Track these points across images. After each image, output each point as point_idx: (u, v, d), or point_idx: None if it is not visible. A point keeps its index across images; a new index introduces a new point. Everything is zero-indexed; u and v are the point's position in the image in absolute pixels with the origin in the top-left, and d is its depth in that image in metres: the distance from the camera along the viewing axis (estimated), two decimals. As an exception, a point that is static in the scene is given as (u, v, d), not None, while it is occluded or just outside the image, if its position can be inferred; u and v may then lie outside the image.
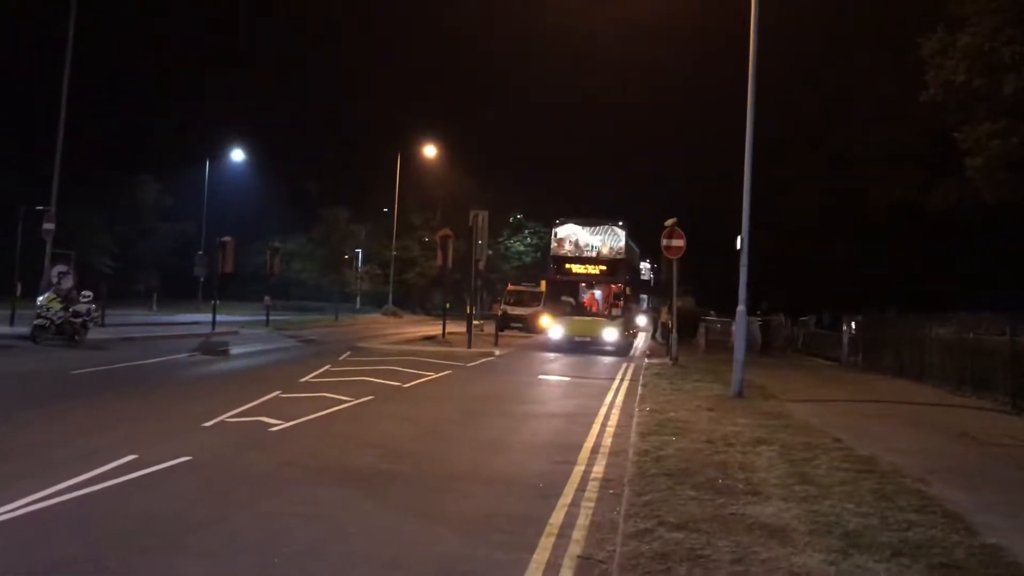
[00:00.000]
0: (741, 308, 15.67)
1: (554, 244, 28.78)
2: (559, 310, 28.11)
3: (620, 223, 28.36)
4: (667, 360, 23.43)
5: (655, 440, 9.75)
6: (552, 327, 27.92)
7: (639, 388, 16.00)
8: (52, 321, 20.30)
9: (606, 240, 28.20)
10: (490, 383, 17.45)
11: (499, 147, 67.17)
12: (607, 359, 24.88)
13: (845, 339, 26.18)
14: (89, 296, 21.63)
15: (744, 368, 15.22)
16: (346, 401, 13.01)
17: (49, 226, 24.37)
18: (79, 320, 20.71)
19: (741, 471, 8.20)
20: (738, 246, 15.27)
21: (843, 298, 33.05)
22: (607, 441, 10.65)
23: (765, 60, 15.94)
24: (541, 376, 19.18)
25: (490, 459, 9.38)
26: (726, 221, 18.73)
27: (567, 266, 28.21)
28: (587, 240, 28.24)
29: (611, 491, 7.84)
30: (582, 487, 8.04)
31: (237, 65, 73.47)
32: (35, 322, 20.37)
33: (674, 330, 24.12)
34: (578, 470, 8.80)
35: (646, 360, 24.75)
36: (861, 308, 27.32)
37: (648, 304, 57.95)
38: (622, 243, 28.00)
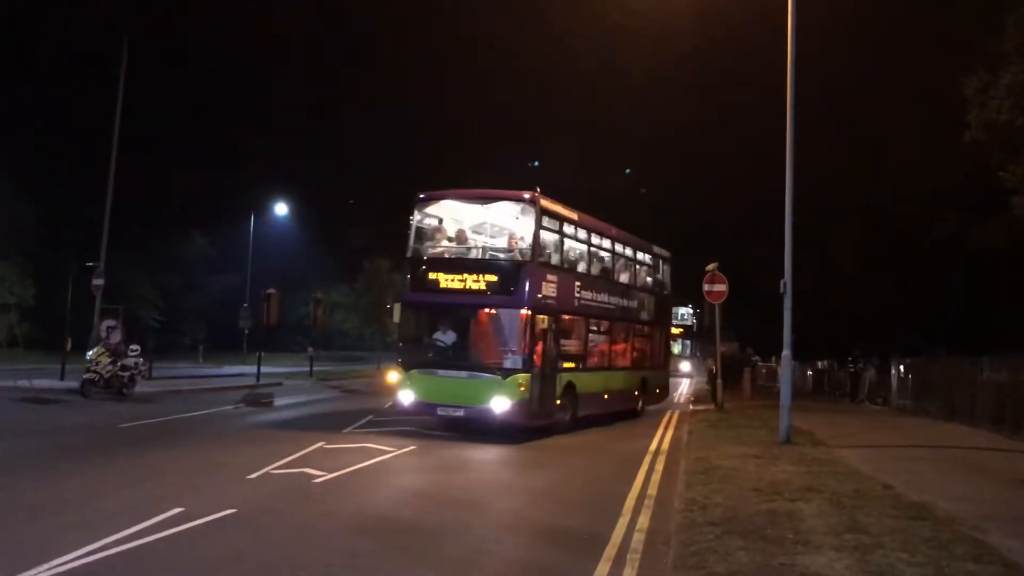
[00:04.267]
0: (786, 353, 15.45)
1: (413, 237, 16.65)
2: (416, 356, 16.26)
3: (528, 196, 15.98)
4: (712, 406, 23.21)
5: (702, 489, 9.63)
6: (400, 386, 15.99)
7: (684, 435, 15.82)
8: (101, 375, 20.62)
9: (500, 227, 17.70)
10: (531, 430, 17.28)
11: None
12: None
13: (894, 382, 25.73)
14: (137, 350, 21.95)
15: (791, 413, 14.99)
16: (389, 451, 13.01)
17: (99, 282, 24.90)
18: (127, 374, 21.01)
19: (790, 519, 8.04)
20: (782, 290, 15.08)
21: (891, 340, 32.57)
22: (652, 491, 10.52)
23: (804, 104, 15.95)
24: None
25: (535, 509, 9.30)
26: (770, 265, 18.53)
27: (431, 276, 16.03)
28: (473, 231, 17.41)
29: (658, 541, 7.73)
30: (628, 537, 7.94)
31: (280, 117, 75.02)
32: (84, 376, 20.71)
33: (719, 376, 23.87)
34: (623, 520, 8.69)
35: (691, 407, 24.52)
36: (910, 350, 26.88)
37: (693, 351, 57.34)
38: (530, 232, 15.84)
